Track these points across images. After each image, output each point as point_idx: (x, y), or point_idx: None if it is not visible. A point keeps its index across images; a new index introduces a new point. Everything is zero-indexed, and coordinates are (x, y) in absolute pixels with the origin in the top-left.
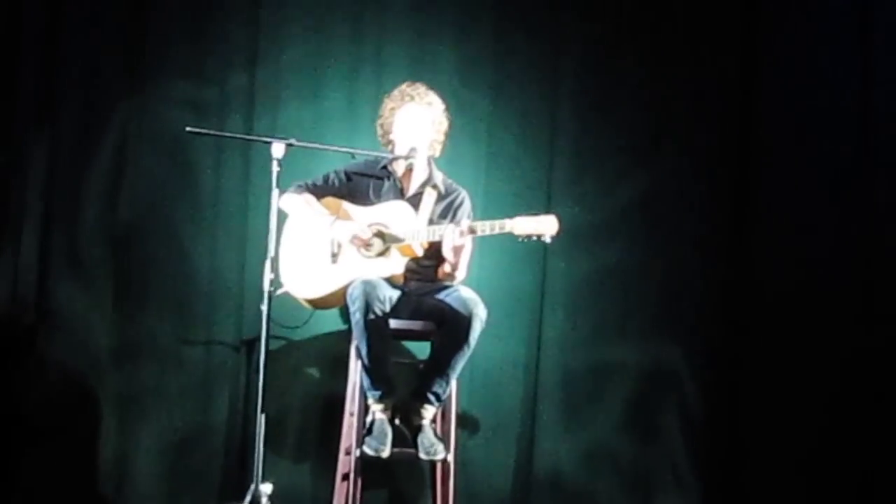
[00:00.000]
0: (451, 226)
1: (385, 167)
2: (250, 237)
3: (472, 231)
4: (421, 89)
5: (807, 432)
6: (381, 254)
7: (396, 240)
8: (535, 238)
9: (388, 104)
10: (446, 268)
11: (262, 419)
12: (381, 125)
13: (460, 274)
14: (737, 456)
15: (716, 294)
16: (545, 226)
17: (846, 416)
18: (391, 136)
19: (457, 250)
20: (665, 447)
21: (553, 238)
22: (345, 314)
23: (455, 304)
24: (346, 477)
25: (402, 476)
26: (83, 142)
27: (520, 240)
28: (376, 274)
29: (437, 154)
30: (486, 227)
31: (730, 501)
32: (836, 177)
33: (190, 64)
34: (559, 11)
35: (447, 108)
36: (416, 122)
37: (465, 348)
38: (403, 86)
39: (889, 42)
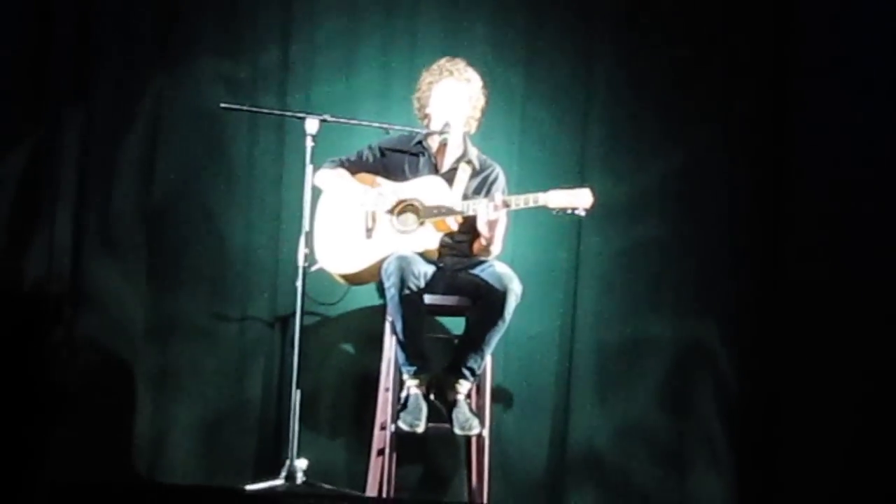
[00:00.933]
0: (485, 200)
1: (419, 142)
2: (284, 213)
3: (505, 205)
4: (460, 65)
5: (845, 411)
6: (416, 229)
7: (431, 214)
8: (569, 211)
9: (426, 78)
10: (482, 242)
11: (297, 395)
12: (418, 98)
13: (495, 249)
14: (772, 434)
15: (752, 270)
16: (579, 199)
17: (886, 396)
18: (427, 111)
19: (491, 225)
20: (700, 424)
21: (587, 212)
22: (379, 290)
23: (490, 280)
24: (381, 452)
25: (437, 451)
26: (117, 119)
27: (554, 213)
28: (411, 249)
29: (473, 130)
30: (521, 201)
31: (765, 479)
32: (874, 152)
33: (223, 40)
34: None
35: (485, 85)
36: (453, 97)
37: (500, 323)
38: (443, 61)
39: None
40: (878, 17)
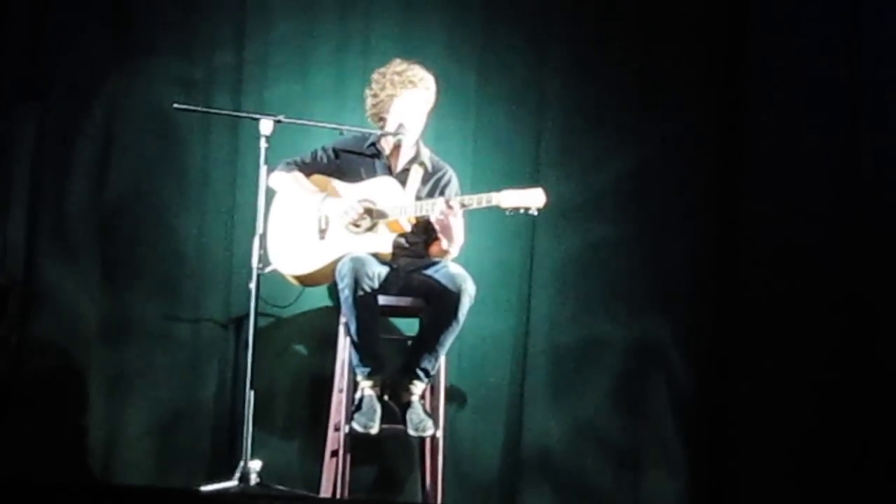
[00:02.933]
0: (440, 200)
1: (373, 144)
2: (238, 214)
3: (462, 205)
4: (420, 73)
5: (797, 409)
6: (369, 230)
7: (384, 215)
8: (522, 211)
9: (385, 88)
10: (441, 244)
11: (250, 396)
12: (375, 105)
13: (454, 251)
14: (725, 433)
15: (705, 270)
16: (532, 198)
17: (837, 393)
18: (384, 115)
19: (443, 226)
20: (653, 423)
21: (540, 211)
22: (333, 291)
23: (443, 280)
24: (335, 453)
25: (390, 452)
26: (70, 118)
27: (507, 213)
28: (365, 250)
29: (423, 129)
30: (473, 201)
31: (718, 479)
32: (827, 151)
33: (177, 40)
34: None
35: (437, 84)
36: (416, 107)
37: (454, 324)
38: (400, 66)
39: None
40: (829, 15)
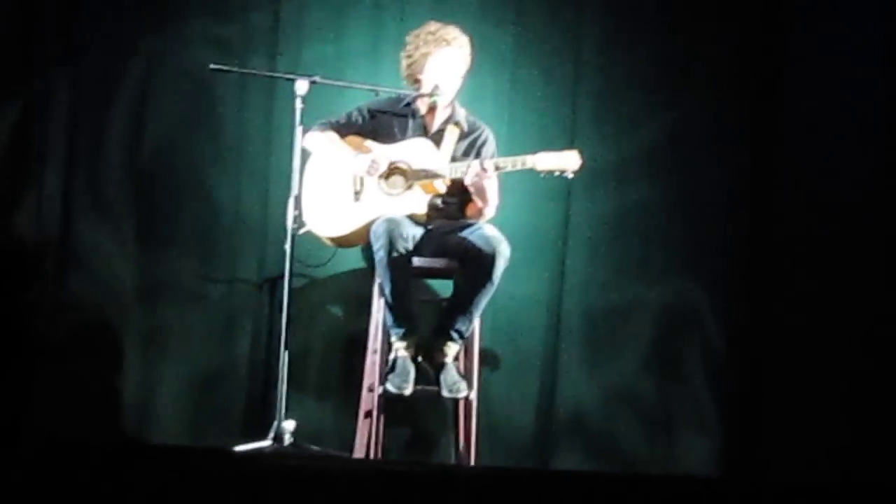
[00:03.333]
0: (475, 162)
1: (409, 104)
2: (273, 175)
3: (496, 168)
4: (454, 32)
5: (830, 375)
6: (404, 191)
7: (418, 176)
8: (557, 174)
9: (419, 47)
10: (477, 205)
11: (285, 357)
12: (410, 65)
13: (489, 212)
14: (759, 397)
15: (740, 234)
16: (567, 161)
17: (870, 355)
18: (420, 76)
19: (478, 188)
20: (687, 387)
21: (575, 174)
22: (368, 252)
23: (478, 242)
24: (368, 414)
25: (424, 414)
26: (106, 80)
27: (542, 176)
28: (399, 211)
29: (459, 90)
30: (508, 164)
31: (751, 440)
32: (863, 117)
33: (212, 1)
34: None
35: (472, 46)
36: (450, 67)
37: (489, 286)
38: (435, 27)
39: None
40: None
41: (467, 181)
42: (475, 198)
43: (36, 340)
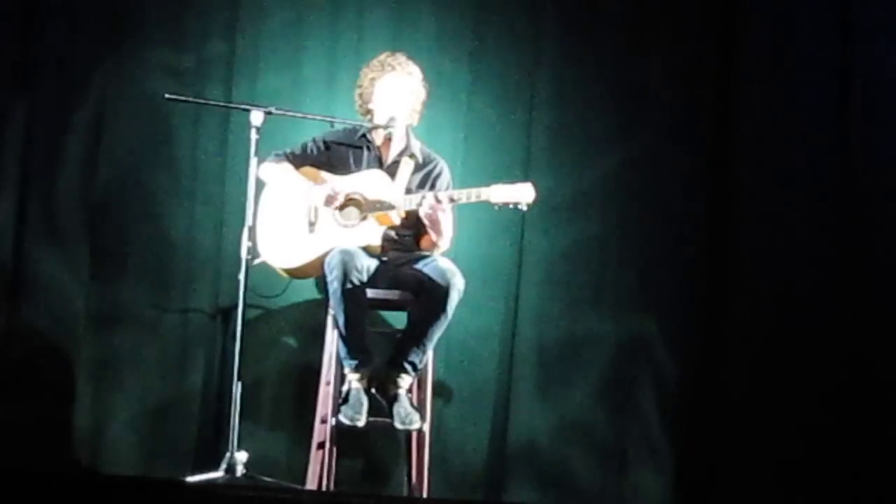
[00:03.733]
0: (429, 194)
1: (364, 136)
2: (228, 205)
3: (451, 200)
4: (401, 59)
5: (783, 406)
6: (358, 223)
7: (373, 208)
8: (511, 206)
9: (367, 74)
10: (431, 237)
11: (237, 387)
12: (360, 95)
13: (443, 244)
14: (711, 430)
15: (693, 267)
16: (521, 193)
17: (825, 391)
18: (370, 106)
19: (433, 221)
20: (640, 419)
21: (529, 206)
22: (322, 283)
23: (433, 274)
24: (321, 446)
25: (377, 445)
26: (60, 107)
27: (496, 208)
28: (354, 243)
29: (415, 123)
30: (463, 196)
31: (703, 475)
32: (820, 142)
33: (169, 31)
34: None
35: (425, 78)
36: (397, 91)
37: (443, 318)
38: (383, 56)
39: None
40: (821, 12)
41: (422, 213)
42: (429, 230)
43: None
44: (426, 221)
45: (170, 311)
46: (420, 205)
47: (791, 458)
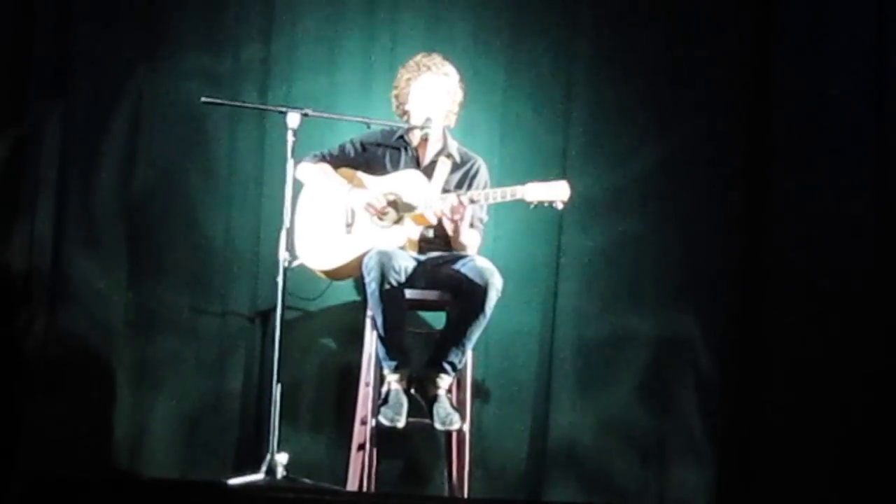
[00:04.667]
0: (451, 195)
1: (401, 137)
2: (265, 208)
3: (471, 201)
4: (437, 59)
5: (826, 407)
6: (396, 223)
7: (409, 208)
8: (546, 204)
9: (403, 75)
10: (450, 235)
11: (277, 389)
12: (397, 96)
13: (467, 241)
14: (752, 429)
15: (732, 264)
16: (557, 191)
17: (865, 387)
18: (406, 107)
19: (454, 220)
20: (680, 418)
21: (565, 204)
22: (360, 285)
23: (471, 274)
24: (361, 447)
25: (417, 446)
26: (98, 113)
27: (531, 206)
28: (391, 244)
29: (452, 125)
30: (498, 195)
31: (744, 475)
32: (857, 143)
33: (205, 35)
34: None
35: (462, 79)
36: (433, 92)
37: (481, 318)
38: (419, 56)
39: None
40: (858, 10)
41: (445, 212)
42: (448, 229)
43: (26, 374)
44: (445, 223)
45: (208, 314)
46: (443, 206)
47: (830, 458)
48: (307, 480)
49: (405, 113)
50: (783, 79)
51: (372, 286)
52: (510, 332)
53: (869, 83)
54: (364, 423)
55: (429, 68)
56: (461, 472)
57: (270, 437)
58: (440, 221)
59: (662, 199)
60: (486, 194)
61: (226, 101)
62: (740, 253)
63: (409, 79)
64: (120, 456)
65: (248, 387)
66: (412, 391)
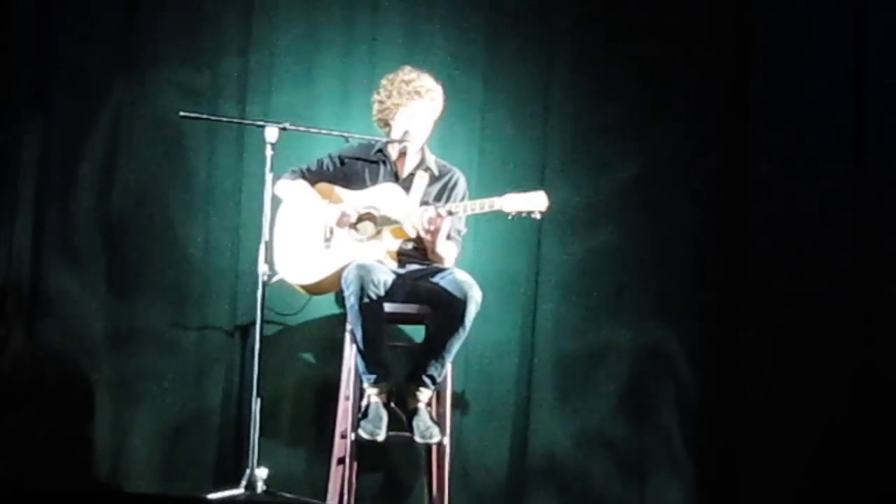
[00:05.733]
0: (429, 208)
1: (380, 150)
2: (244, 222)
3: (449, 213)
4: (428, 83)
5: (804, 417)
6: (374, 237)
7: (388, 221)
8: (524, 215)
9: (392, 96)
10: (429, 252)
11: (257, 404)
12: (381, 111)
13: (443, 253)
14: (731, 440)
15: (711, 276)
16: (535, 202)
17: (845, 402)
18: (390, 122)
19: (431, 232)
20: (660, 430)
21: (543, 214)
22: (340, 298)
23: (450, 287)
24: (341, 461)
25: (397, 459)
26: (76, 127)
27: (510, 217)
28: (370, 257)
29: (429, 135)
30: (476, 206)
31: (723, 486)
32: (836, 155)
33: (183, 49)
34: None
35: (444, 93)
36: (421, 117)
37: (461, 331)
38: (408, 76)
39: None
40: (835, 13)
41: (421, 227)
42: (426, 241)
43: (4, 387)
44: (423, 235)
45: (188, 328)
46: (420, 218)
47: (811, 467)
48: (287, 495)
49: (387, 125)
50: (761, 90)
51: (351, 300)
52: (490, 345)
53: (847, 91)
54: (344, 436)
55: (420, 95)
56: (441, 485)
57: (250, 452)
58: (419, 234)
59: (641, 210)
60: (465, 206)
61: (204, 116)
62: (719, 264)
63: (398, 104)
64: (100, 470)
65: (227, 401)
66: (392, 405)
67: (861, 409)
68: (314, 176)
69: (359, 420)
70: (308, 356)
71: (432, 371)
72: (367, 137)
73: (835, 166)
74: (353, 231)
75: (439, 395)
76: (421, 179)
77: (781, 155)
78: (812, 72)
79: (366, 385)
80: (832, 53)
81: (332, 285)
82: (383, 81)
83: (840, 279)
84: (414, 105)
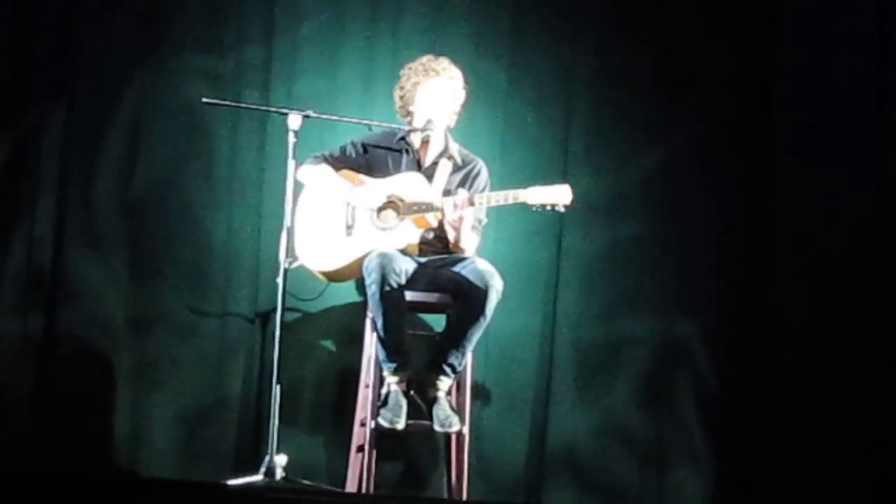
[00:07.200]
0: (450, 198)
1: (402, 139)
2: (266, 209)
3: (470, 203)
4: (445, 63)
5: (823, 407)
6: (396, 225)
7: (410, 210)
8: (548, 208)
9: (410, 78)
10: (450, 238)
11: (276, 391)
12: (402, 97)
13: (465, 244)
14: (751, 431)
15: (732, 268)
16: (559, 195)
17: (864, 391)
18: (411, 108)
19: (454, 222)
20: (679, 421)
21: (566, 208)
22: (360, 286)
23: (471, 276)
24: (360, 449)
25: (416, 448)
26: (99, 113)
27: (533, 210)
28: (392, 246)
29: (453, 125)
30: (500, 198)
31: (744, 477)
32: (857, 149)
33: (206, 35)
34: None
35: (466, 81)
36: (439, 96)
37: (481, 320)
38: (426, 59)
39: None
40: (858, 15)
41: (446, 216)
42: (449, 231)
43: (27, 374)
44: (446, 226)
45: (208, 315)
46: (443, 208)
47: (832, 460)
48: (306, 482)
49: (409, 114)
50: (785, 83)
51: (372, 288)
52: (510, 335)
53: (870, 88)
54: (363, 424)
55: (437, 72)
56: (460, 474)
57: (270, 438)
58: (440, 223)
59: (663, 202)
60: (488, 197)
61: (227, 102)
62: (742, 255)
63: (416, 83)
64: (120, 456)
65: (247, 388)
66: (412, 393)
67: (884, 399)
68: (337, 162)
69: (378, 408)
70: (328, 344)
71: (452, 360)
72: (389, 125)
73: (858, 159)
74: (375, 219)
75: (459, 385)
76: (444, 168)
77: (803, 147)
78: (835, 66)
79: (386, 373)
80: (855, 49)
81: (352, 273)
82: (402, 70)
83: (862, 272)
84: (432, 83)
